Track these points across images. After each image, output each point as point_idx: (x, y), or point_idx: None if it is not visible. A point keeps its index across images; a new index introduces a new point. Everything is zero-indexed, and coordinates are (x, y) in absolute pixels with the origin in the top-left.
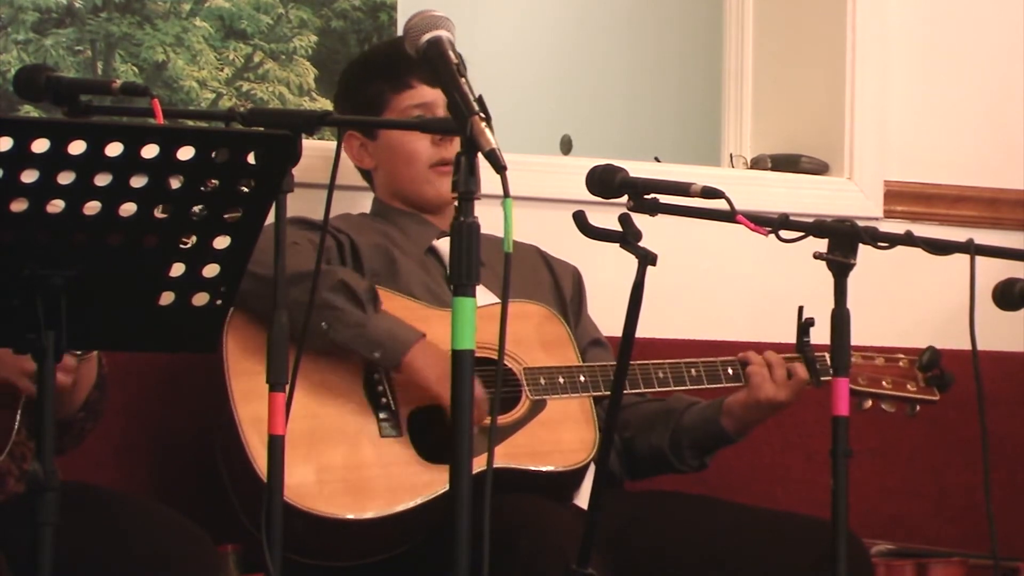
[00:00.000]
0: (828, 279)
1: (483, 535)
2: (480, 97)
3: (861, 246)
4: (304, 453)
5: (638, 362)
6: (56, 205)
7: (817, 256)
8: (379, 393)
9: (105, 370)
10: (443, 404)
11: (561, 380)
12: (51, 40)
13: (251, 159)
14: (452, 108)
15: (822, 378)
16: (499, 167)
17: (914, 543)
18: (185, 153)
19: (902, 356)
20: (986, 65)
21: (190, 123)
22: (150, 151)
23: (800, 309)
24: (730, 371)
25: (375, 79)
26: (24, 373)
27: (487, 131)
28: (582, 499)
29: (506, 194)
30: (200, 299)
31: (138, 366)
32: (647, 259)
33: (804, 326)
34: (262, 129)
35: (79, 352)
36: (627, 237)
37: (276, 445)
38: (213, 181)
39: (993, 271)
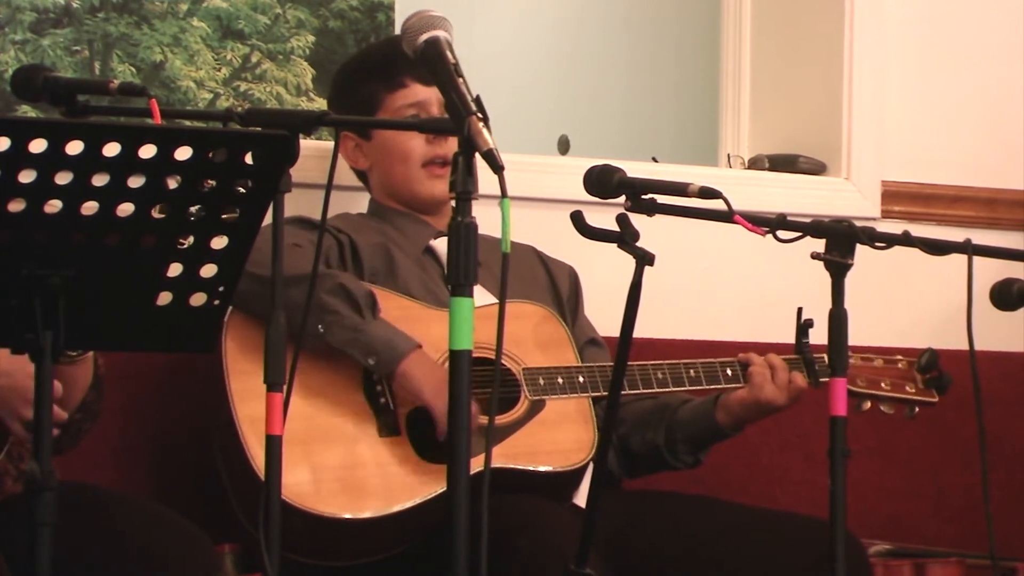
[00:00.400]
0: (825, 279)
1: (481, 535)
2: (478, 97)
3: (859, 246)
4: (302, 453)
5: (637, 363)
6: (54, 205)
7: (815, 256)
8: (378, 393)
9: (102, 371)
10: (436, 415)
11: (560, 380)
12: (48, 40)
13: (249, 159)
14: (450, 108)
15: (820, 379)
16: (497, 167)
17: (912, 543)
18: (183, 153)
19: (901, 358)
20: (984, 65)
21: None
22: (148, 151)
23: (799, 310)
24: (729, 372)
25: (368, 79)
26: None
27: (485, 131)
28: (580, 499)
29: (504, 194)
30: (198, 299)
31: (136, 366)
32: (645, 259)
33: (803, 327)
34: (260, 129)
35: (75, 353)
36: (625, 237)
37: (274, 445)
38: (211, 181)
39: (991, 271)
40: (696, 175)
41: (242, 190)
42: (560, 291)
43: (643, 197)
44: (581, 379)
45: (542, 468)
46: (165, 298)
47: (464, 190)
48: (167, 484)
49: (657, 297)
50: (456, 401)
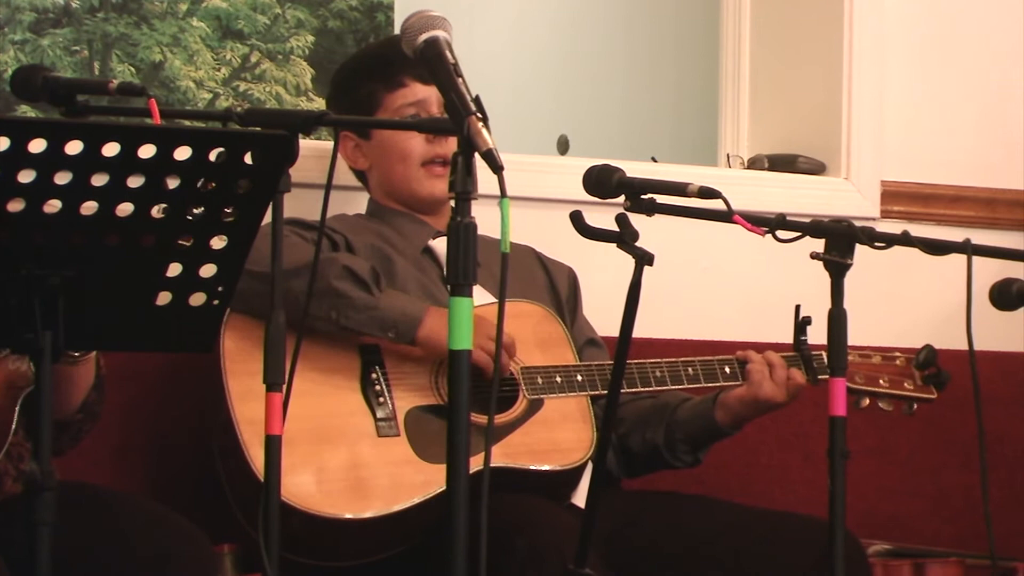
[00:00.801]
0: (825, 279)
1: (480, 534)
2: (477, 97)
3: (858, 246)
4: (302, 453)
5: (635, 361)
6: (53, 205)
7: (814, 256)
8: (376, 393)
9: (103, 371)
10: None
11: (558, 379)
12: (48, 40)
13: (248, 159)
14: (449, 108)
15: (819, 376)
16: (496, 167)
17: (911, 543)
18: (182, 153)
19: (899, 354)
20: (983, 65)
21: (187, 123)
22: (147, 151)
23: (797, 308)
24: (727, 370)
25: (368, 79)
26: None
27: (484, 131)
28: (579, 498)
29: (503, 194)
30: (197, 299)
31: (136, 366)
32: (644, 259)
33: (801, 325)
34: (259, 129)
35: (77, 353)
36: (624, 237)
37: (273, 445)
38: (210, 182)
39: (990, 271)
40: (695, 175)
41: (241, 190)
42: (559, 292)
43: (642, 197)
44: (579, 378)
45: (541, 467)
46: (165, 298)
47: (463, 190)
48: (167, 484)
49: (656, 297)
50: (456, 401)
